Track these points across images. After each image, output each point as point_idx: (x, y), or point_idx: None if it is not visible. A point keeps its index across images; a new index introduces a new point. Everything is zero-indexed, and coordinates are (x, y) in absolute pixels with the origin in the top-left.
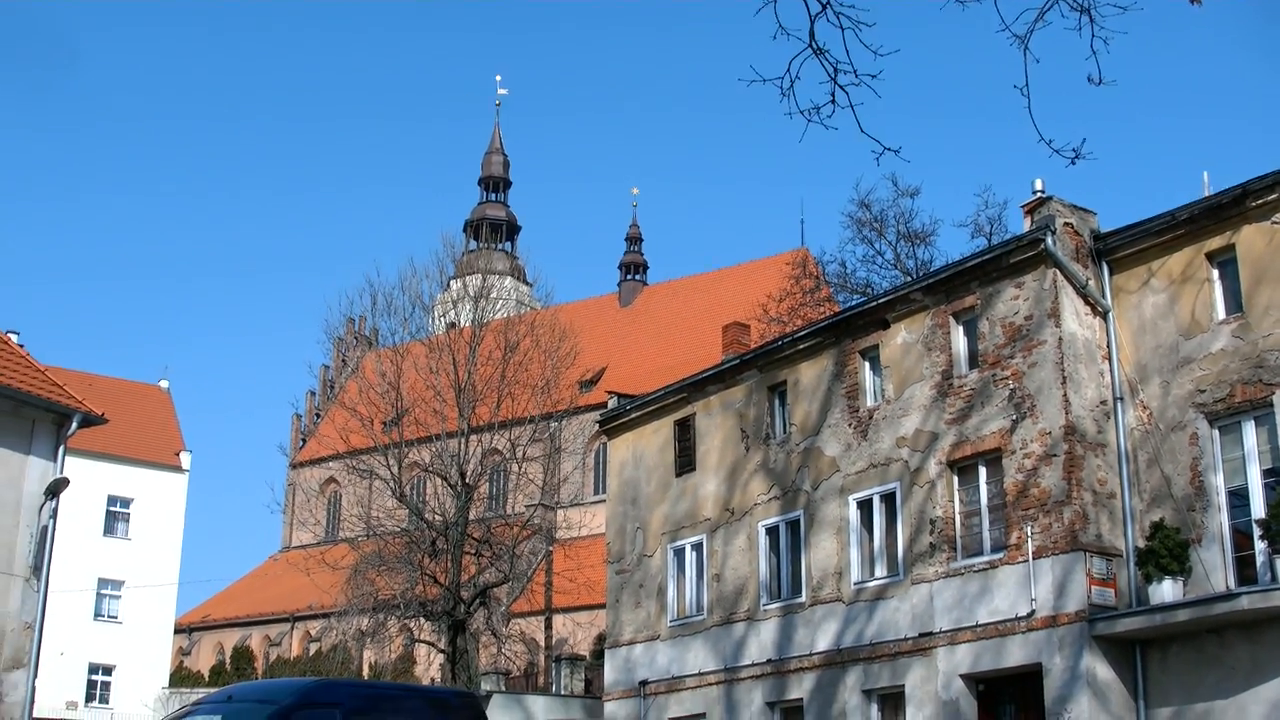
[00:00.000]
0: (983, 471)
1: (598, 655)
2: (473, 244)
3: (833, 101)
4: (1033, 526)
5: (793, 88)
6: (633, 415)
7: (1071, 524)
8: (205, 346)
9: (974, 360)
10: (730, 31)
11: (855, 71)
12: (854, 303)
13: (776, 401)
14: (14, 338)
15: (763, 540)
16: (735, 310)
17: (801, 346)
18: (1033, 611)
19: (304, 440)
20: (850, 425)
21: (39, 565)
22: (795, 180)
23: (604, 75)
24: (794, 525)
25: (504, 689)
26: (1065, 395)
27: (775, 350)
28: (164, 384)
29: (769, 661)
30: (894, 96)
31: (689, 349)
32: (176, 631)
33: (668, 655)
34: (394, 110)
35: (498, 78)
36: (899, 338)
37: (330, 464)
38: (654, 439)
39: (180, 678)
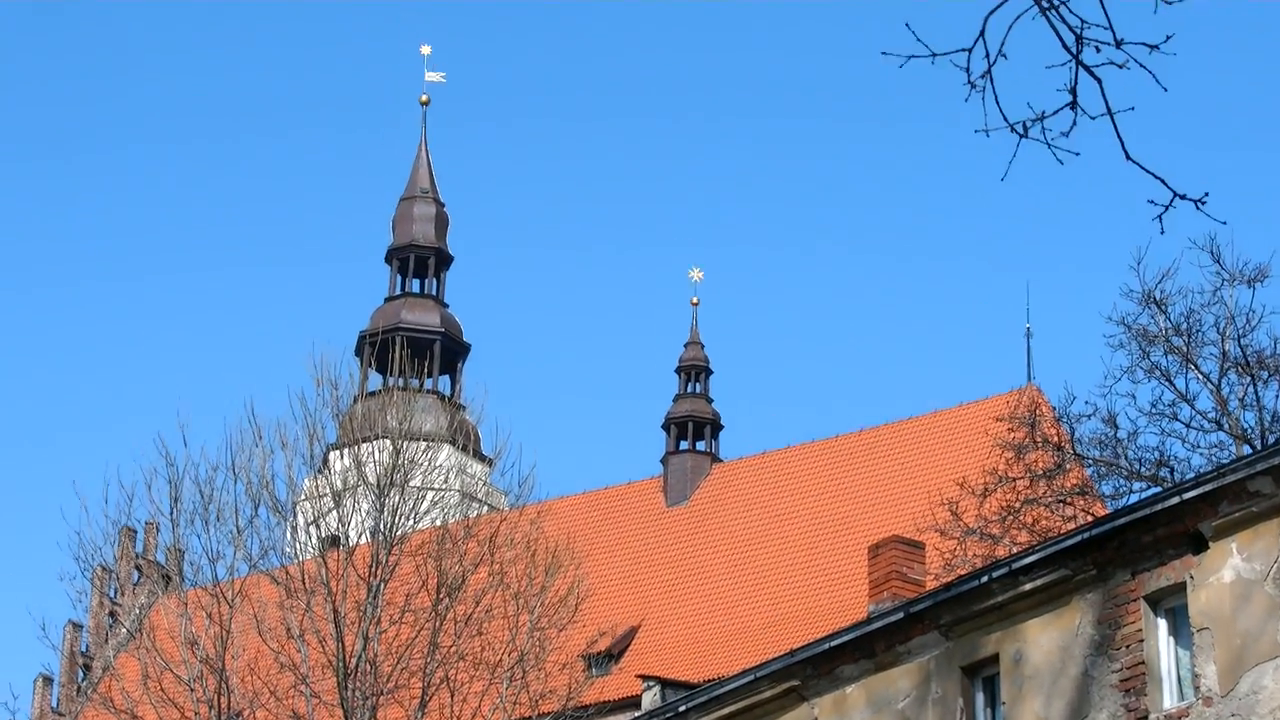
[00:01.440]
0: None
1: None
2: (375, 379)
3: (1073, 104)
4: None
5: (990, 75)
6: None
7: None
8: None
9: None
10: None
11: (1118, 41)
12: (1136, 500)
13: (979, 695)
14: None
15: None
16: (892, 513)
17: (1027, 587)
18: None
19: None
20: None
21: None
22: (1011, 256)
23: (625, 60)
24: None
25: None
26: None
27: (976, 594)
28: None
29: None
30: (1198, 94)
31: (800, 590)
32: None
33: None
34: (225, 116)
35: (424, 50)
36: (1227, 570)
37: None
38: None
39: None
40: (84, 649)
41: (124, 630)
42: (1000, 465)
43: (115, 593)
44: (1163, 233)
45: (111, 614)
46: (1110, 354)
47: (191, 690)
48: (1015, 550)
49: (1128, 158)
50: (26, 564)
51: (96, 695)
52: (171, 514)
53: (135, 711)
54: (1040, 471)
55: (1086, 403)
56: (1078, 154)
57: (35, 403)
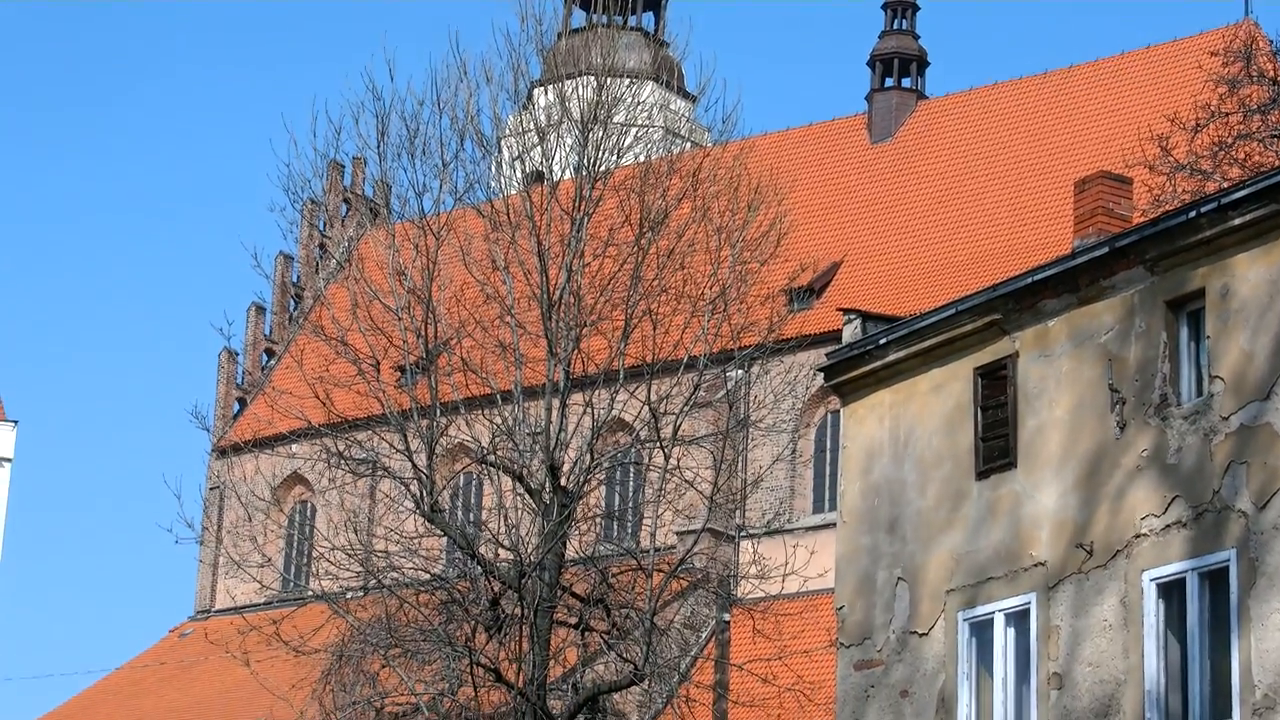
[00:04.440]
0: None
1: None
2: (579, 15)
3: None
4: None
5: None
6: (891, 357)
7: None
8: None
9: None
10: None
11: None
12: None
13: (1183, 331)
14: None
15: (1153, 610)
16: (1100, 149)
17: (1237, 222)
18: None
19: (242, 403)
20: None
21: None
22: None
23: None
24: (1218, 580)
25: None
26: None
27: (1182, 229)
28: None
29: None
30: None
31: (1004, 226)
32: None
33: None
34: None
35: None
36: None
37: (294, 447)
38: (934, 404)
39: None
40: (294, 280)
41: (333, 261)
42: (1213, 100)
43: (324, 225)
44: None
45: (321, 246)
46: None
47: (399, 319)
48: (1225, 185)
49: None
50: (238, 196)
51: (307, 323)
52: (378, 148)
53: (345, 339)
54: (1255, 106)
55: None
56: None
57: (245, 32)
